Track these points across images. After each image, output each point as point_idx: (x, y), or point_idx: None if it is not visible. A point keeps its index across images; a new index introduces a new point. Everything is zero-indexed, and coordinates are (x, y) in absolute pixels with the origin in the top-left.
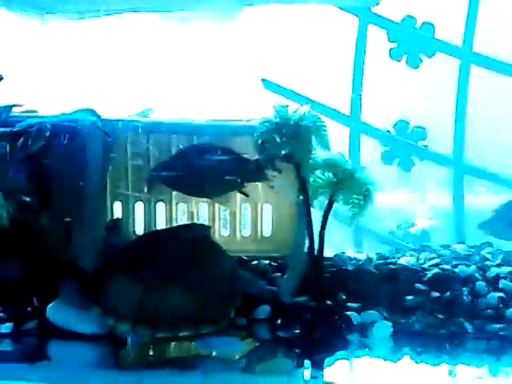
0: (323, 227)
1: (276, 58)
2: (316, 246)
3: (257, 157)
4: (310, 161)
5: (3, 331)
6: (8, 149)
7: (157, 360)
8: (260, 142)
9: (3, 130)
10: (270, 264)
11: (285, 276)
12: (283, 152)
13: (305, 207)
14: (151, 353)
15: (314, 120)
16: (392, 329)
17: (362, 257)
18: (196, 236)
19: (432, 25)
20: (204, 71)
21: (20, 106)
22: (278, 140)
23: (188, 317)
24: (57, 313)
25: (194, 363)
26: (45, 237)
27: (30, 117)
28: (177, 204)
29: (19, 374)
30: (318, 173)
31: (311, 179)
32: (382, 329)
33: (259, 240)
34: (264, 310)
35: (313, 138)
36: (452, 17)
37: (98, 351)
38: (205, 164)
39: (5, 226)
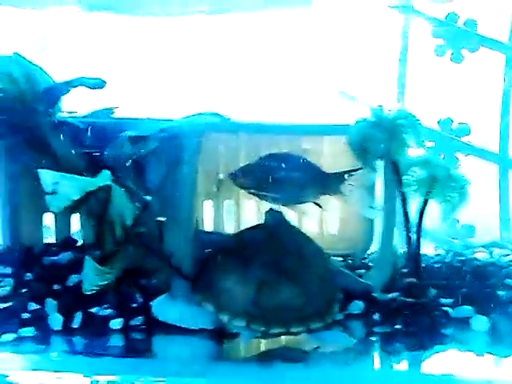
0: (419, 224)
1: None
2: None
3: (335, 170)
4: (406, 159)
5: (114, 327)
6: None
7: (267, 354)
8: (358, 140)
9: (134, 134)
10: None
11: (370, 272)
12: (380, 150)
13: (394, 204)
14: (261, 347)
15: (410, 118)
16: (489, 324)
17: (441, 252)
18: (293, 230)
19: (475, 21)
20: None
21: (115, 108)
22: (377, 138)
23: (298, 312)
24: (164, 309)
25: (302, 357)
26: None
27: (150, 121)
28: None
29: (130, 369)
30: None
31: (405, 177)
32: (479, 323)
33: (326, 237)
34: (358, 305)
35: (409, 136)
36: (497, 13)
37: (207, 346)
38: (283, 173)
39: (129, 225)
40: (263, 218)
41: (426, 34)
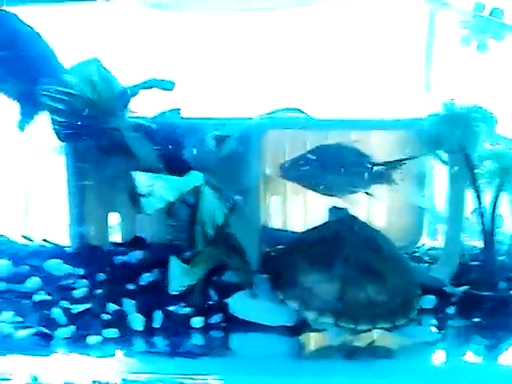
0: (493, 217)
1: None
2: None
3: (386, 159)
4: (479, 152)
5: (195, 326)
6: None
7: (352, 350)
8: (431, 134)
9: (221, 133)
10: None
11: (436, 265)
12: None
13: (462, 197)
14: (347, 343)
15: (483, 112)
16: None
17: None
18: (364, 226)
19: (502, 10)
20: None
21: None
22: (451, 132)
23: (383, 308)
24: (242, 306)
25: (385, 353)
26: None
27: (232, 120)
28: None
29: (212, 367)
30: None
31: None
32: None
33: None
34: (430, 300)
35: (481, 129)
36: None
37: (287, 343)
38: (334, 163)
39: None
40: (327, 214)
41: (453, 24)
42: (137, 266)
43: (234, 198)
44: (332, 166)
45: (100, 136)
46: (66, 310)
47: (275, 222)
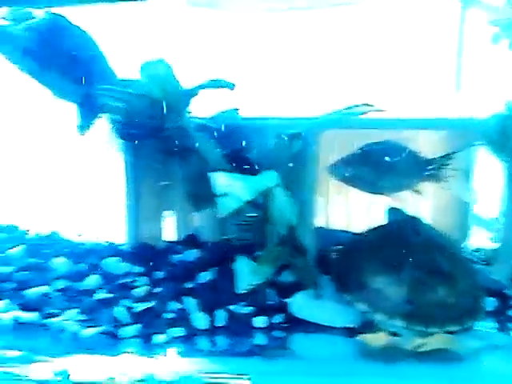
0: None
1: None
2: None
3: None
4: None
5: (258, 325)
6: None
7: (419, 352)
8: (495, 133)
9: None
10: None
11: (493, 267)
12: None
13: None
14: (415, 345)
15: None
16: None
17: None
18: (426, 226)
19: None
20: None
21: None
22: None
23: (452, 310)
24: (304, 307)
25: (452, 355)
26: None
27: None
28: None
29: (274, 368)
30: None
31: None
32: None
33: None
34: (491, 302)
35: None
36: None
37: (353, 344)
38: (383, 161)
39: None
40: (386, 215)
41: (483, 23)
42: (194, 265)
43: (304, 197)
44: (380, 164)
45: (162, 136)
46: (128, 309)
47: (319, 222)
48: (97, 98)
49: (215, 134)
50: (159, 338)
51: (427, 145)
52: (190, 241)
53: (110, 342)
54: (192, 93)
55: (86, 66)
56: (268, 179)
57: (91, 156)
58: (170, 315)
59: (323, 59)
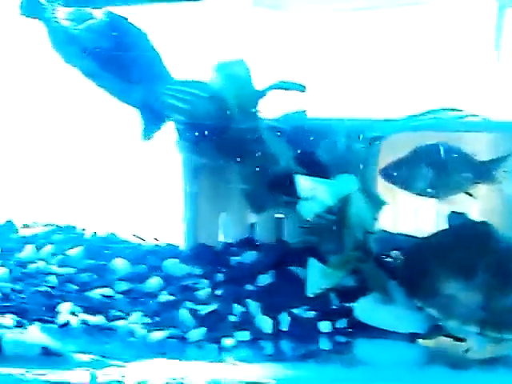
0: None
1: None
2: None
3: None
4: None
5: (322, 330)
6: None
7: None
8: None
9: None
10: None
11: None
12: None
13: None
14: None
15: None
16: None
17: None
18: (490, 230)
19: None
20: None
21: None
22: None
23: None
24: (369, 311)
25: None
26: None
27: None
28: None
29: (337, 373)
30: None
31: None
32: None
33: None
34: None
35: None
36: None
37: (420, 350)
38: (436, 163)
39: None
40: (446, 220)
41: None
42: (253, 267)
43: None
44: (433, 166)
45: (226, 137)
46: (192, 311)
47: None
48: (159, 99)
49: (283, 135)
50: (226, 342)
51: (479, 146)
52: (247, 242)
53: (179, 345)
54: (262, 94)
55: (144, 67)
56: (349, 184)
57: (150, 156)
58: (234, 318)
59: (386, 61)
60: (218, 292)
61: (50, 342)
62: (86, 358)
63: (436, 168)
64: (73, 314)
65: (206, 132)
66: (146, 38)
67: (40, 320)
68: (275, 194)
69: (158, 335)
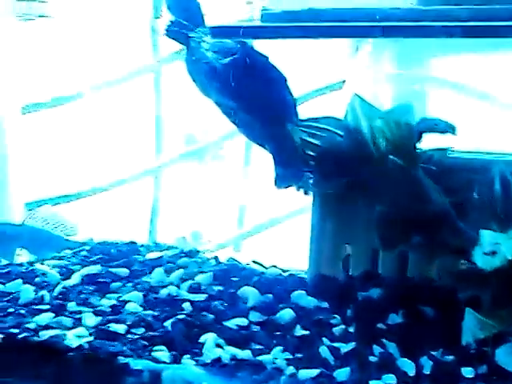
0: None
1: None
2: None
3: None
4: None
5: (466, 375)
6: None
7: None
8: None
9: None
10: None
11: None
12: None
13: None
14: None
15: None
16: None
17: None
18: None
19: None
20: None
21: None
22: None
23: None
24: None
25: None
26: None
27: None
28: None
29: None
30: None
31: None
32: None
33: None
34: None
35: None
36: None
37: None
38: None
39: None
40: None
41: None
42: (381, 304)
43: None
44: None
45: (369, 172)
46: (331, 348)
47: None
48: (293, 139)
49: (432, 175)
50: None
51: None
52: (373, 277)
53: None
54: (418, 138)
55: (280, 110)
56: None
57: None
58: (374, 359)
59: None
60: (351, 329)
61: (210, 379)
62: None
63: None
64: (218, 346)
65: (341, 167)
66: (285, 82)
67: (188, 352)
68: (416, 234)
69: (307, 373)
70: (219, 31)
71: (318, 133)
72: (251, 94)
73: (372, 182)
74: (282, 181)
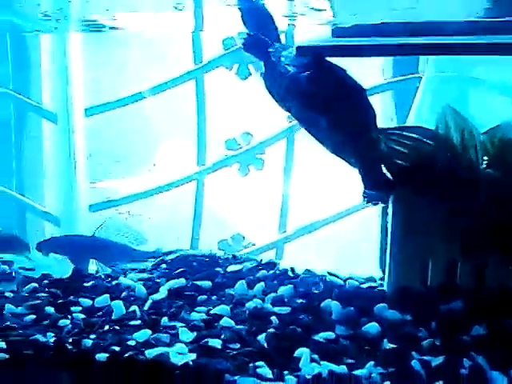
0: None
1: None
2: None
3: None
4: None
5: None
6: None
7: None
8: None
9: None
10: None
11: None
12: None
13: None
14: None
15: None
16: None
17: None
18: None
19: None
20: None
21: None
22: None
23: None
24: None
25: None
26: None
27: None
28: None
29: None
30: None
31: None
32: None
33: None
34: None
35: None
36: None
37: None
38: None
39: None
40: None
41: None
42: (463, 316)
43: None
44: None
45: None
46: (422, 362)
47: None
48: (379, 149)
49: None
50: None
51: None
52: (453, 288)
53: None
54: None
55: (362, 119)
56: None
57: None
58: (464, 371)
59: None
60: (437, 341)
61: None
62: None
63: None
64: (312, 360)
65: (428, 178)
66: (365, 93)
67: (286, 368)
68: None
69: None
70: (305, 51)
71: (405, 141)
72: (336, 108)
73: (459, 192)
74: (370, 197)
